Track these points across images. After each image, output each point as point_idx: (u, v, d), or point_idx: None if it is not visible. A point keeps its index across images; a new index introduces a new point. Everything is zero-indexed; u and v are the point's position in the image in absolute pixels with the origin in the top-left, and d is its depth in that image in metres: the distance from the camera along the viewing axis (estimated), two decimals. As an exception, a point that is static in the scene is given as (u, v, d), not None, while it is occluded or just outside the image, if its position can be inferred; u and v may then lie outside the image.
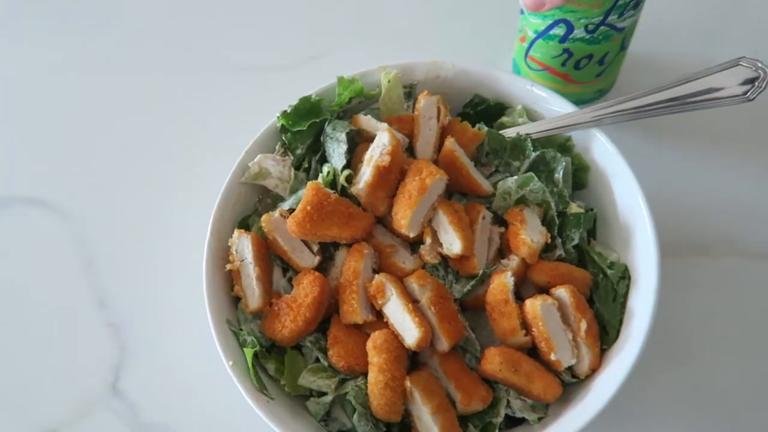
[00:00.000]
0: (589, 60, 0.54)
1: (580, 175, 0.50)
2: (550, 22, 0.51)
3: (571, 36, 0.51)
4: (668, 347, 0.50)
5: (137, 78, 0.68)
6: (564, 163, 0.48)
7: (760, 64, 0.42)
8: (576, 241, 0.47)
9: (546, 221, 0.47)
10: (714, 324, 0.51)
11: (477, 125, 0.50)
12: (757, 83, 0.42)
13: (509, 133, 0.50)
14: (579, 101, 0.51)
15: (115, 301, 0.56)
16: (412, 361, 0.45)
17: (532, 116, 0.51)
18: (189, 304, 0.51)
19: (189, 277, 0.51)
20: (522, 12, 0.54)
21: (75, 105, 0.67)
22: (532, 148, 0.49)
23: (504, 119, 0.52)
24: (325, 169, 0.48)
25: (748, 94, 0.42)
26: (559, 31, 0.52)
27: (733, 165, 0.57)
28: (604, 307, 0.45)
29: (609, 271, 0.45)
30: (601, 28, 0.50)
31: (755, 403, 0.48)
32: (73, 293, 0.57)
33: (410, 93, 0.53)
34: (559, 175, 0.48)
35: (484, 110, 0.53)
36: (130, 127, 0.65)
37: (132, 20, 0.72)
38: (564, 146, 0.50)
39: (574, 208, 0.47)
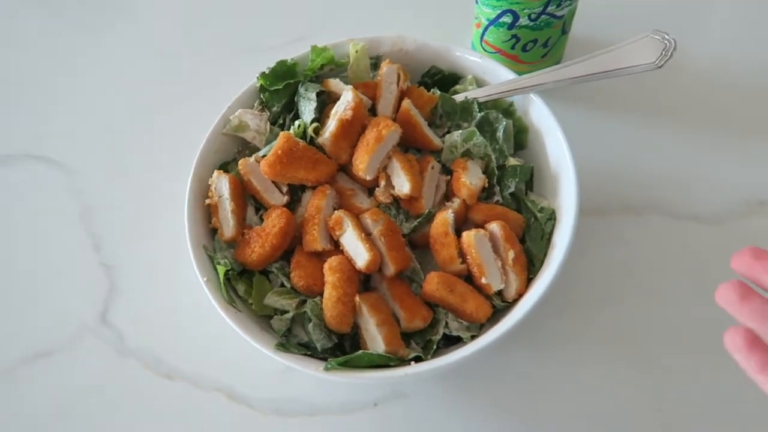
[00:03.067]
0: (534, 43, 0.61)
1: (521, 136, 0.57)
2: (498, 11, 0.59)
3: (517, 24, 0.59)
4: (592, 291, 0.57)
5: (136, 50, 0.76)
6: (504, 123, 0.55)
7: (667, 36, 0.49)
8: (512, 189, 0.53)
9: (487, 172, 0.54)
10: (637, 273, 0.58)
11: (432, 90, 0.58)
12: (664, 52, 0.49)
13: (459, 97, 0.57)
14: None
15: (108, 244, 0.63)
16: (365, 286, 0.52)
17: (481, 84, 0.58)
18: (172, 244, 0.57)
19: (173, 219, 0.57)
20: (476, 2, 0.61)
21: (69, 65, 0.75)
22: (478, 110, 0.56)
23: (457, 87, 0.59)
24: (297, 122, 0.55)
25: (657, 61, 0.50)
26: (507, 19, 0.59)
27: (659, 133, 0.64)
28: (533, 244, 0.51)
29: (539, 215, 0.52)
30: (543, 16, 0.58)
31: (663, 343, 0.54)
32: (70, 238, 0.63)
33: (376, 64, 0.60)
34: (500, 133, 0.55)
35: (440, 79, 0.60)
36: (125, 89, 0.73)
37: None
38: (507, 110, 0.57)
39: (512, 161, 0.54)
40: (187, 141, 0.63)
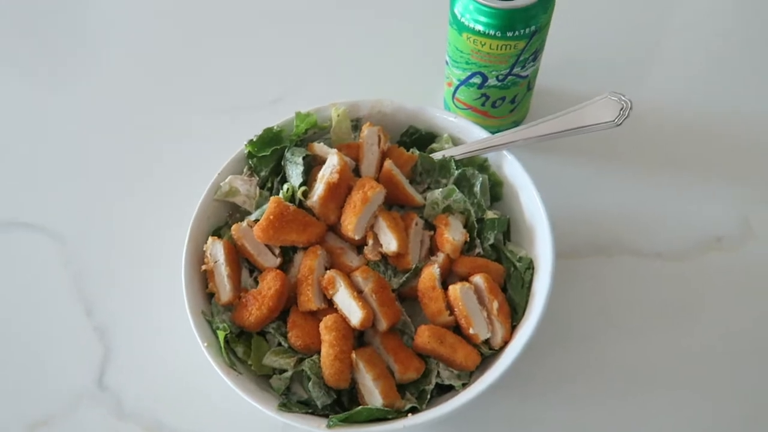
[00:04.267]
0: (503, 101, 0.66)
1: (496, 189, 0.61)
2: (468, 73, 0.64)
3: (486, 84, 0.64)
4: (571, 331, 0.60)
5: (114, 113, 0.78)
6: (481, 179, 0.59)
7: (623, 97, 0.54)
8: (491, 241, 0.57)
9: (467, 226, 0.58)
10: (609, 311, 0.62)
11: (411, 150, 0.61)
12: (622, 111, 0.54)
13: (437, 156, 0.61)
14: (498, 131, 0.62)
15: (101, 308, 0.64)
16: (359, 341, 0.54)
17: (456, 142, 0.62)
18: (168, 306, 0.59)
19: (168, 282, 0.59)
20: (447, 63, 0.66)
21: (55, 133, 0.77)
22: (455, 168, 0.59)
23: (434, 145, 0.63)
24: (285, 186, 0.58)
25: (616, 120, 0.54)
26: (477, 80, 0.64)
27: (622, 177, 0.70)
28: (514, 292, 0.55)
29: (518, 264, 0.56)
30: (509, 77, 0.63)
31: (636, 378, 0.58)
32: (62, 304, 0.64)
33: (357, 125, 0.64)
34: (477, 188, 0.59)
35: (418, 138, 0.64)
36: (111, 154, 0.75)
37: (113, 64, 0.83)
38: (482, 166, 0.61)
39: (490, 214, 0.58)
40: (173, 203, 0.66)
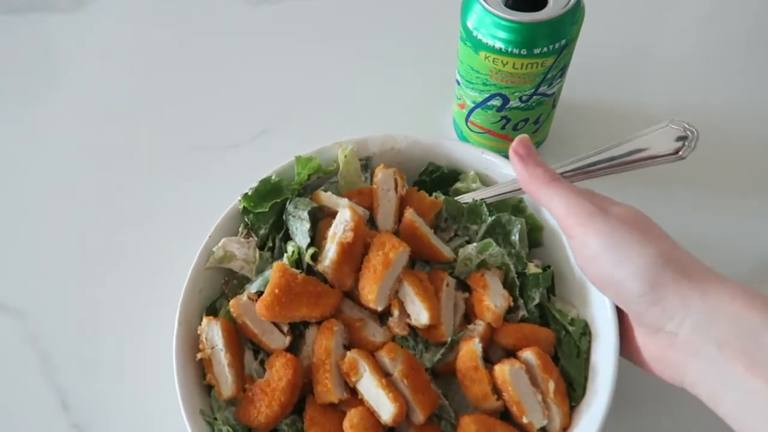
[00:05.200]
0: (525, 122, 0.58)
1: (535, 235, 0.52)
2: (486, 95, 0.55)
3: (507, 106, 0.56)
4: (627, 393, 0.52)
5: (85, 161, 0.68)
6: (519, 225, 0.50)
7: (686, 125, 0.46)
8: (537, 301, 0.49)
9: (507, 283, 0.49)
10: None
11: (434, 193, 0.52)
12: (686, 142, 0.45)
13: (465, 199, 0.52)
14: None
15: (78, 401, 0.54)
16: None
17: (484, 180, 0.54)
18: (156, 396, 0.51)
19: (155, 369, 0.51)
20: (458, 83, 0.57)
21: (18, 199, 0.65)
22: (487, 213, 0.51)
23: (458, 185, 0.54)
24: (290, 248, 0.49)
25: (681, 152, 0.46)
26: (496, 102, 0.56)
27: (674, 204, 0.61)
28: (569, 363, 0.46)
29: (570, 328, 0.47)
30: (534, 97, 0.55)
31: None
32: (34, 397, 0.54)
33: (366, 165, 0.55)
34: (515, 237, 0.50)
35: (439, 177, 0.55)
36: (79, 212, 0.64)
37: (81, 103, 0.72)
38: (517, 207, 0.52)
39: (533, 268, 0.49)
40: (153, 266, 0.58)
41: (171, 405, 0.44)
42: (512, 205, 0.52)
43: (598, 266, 0.41)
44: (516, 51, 0.50)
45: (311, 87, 0.72)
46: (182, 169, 0.67)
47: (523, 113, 0.57)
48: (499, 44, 0.50)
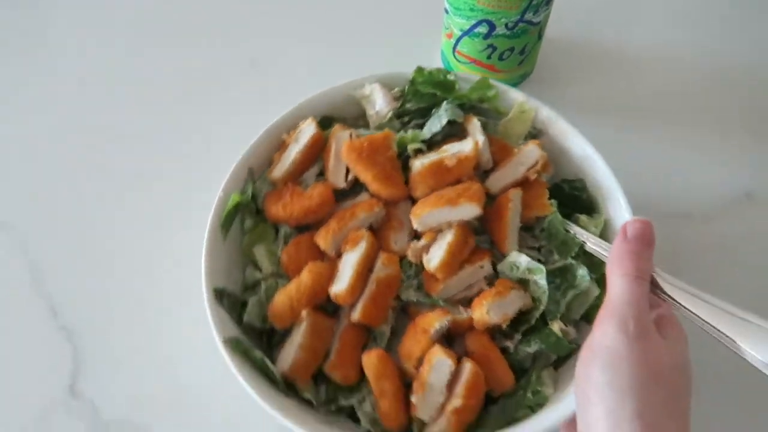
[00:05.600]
0: (511, 52, 0.59)
1: (594, 313, 0.47)
2: (473, 21, 0.57)
3: (493, 33, 0.57)
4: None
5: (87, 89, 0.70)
6: (581, 290, 0.46)
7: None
8: (531, 350, 0.45)
9: (525, 315, 0.46)
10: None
11: (552, 200, 0.50)
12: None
13: (572, 228, 0.48)
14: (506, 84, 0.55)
15: (65, 307, 0.56)
16: (334, 311, 0.49)
17: (607, 231, 0.49)
18: (143, 299, 0.56)
19: (140, 271, 0.57)
20: (446, 11, 0.59)
21: (22, 124, 0.68)
22: (573, 254, 0.47)
23: (582, 218, 0.50)
24: (410, 131, 0.52)
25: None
26: (483, 29, 0.56)
27: (646, 138, 0.64)
28: (496, 417, 0.44)
29: (529, 396, 0.44)
30: (520, 24, 0.56)
31: None
32: (23, 304, 0.57)
33: (535, 136, 0.53)
34: (570, 295, 0.46)
35: (576, 197, 0.51)
36: (59, 133, 0.66)
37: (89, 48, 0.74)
38: (605, 280, 0.47)
39: (557, 326, 0.46)
40: (142, 174, 0.63)
41: (155, 298, 0.54)
42: (603, 272, 0.47)
43: (588, 374, 0.37)
44: None
45: (305, 20, 0.73)
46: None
47: (509, 41, 0.58)
48: None
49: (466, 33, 0.59)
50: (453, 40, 0.61)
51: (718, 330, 0.38)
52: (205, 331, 0.44)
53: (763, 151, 0.63)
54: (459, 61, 0.62)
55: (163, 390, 0.52)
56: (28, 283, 0.58)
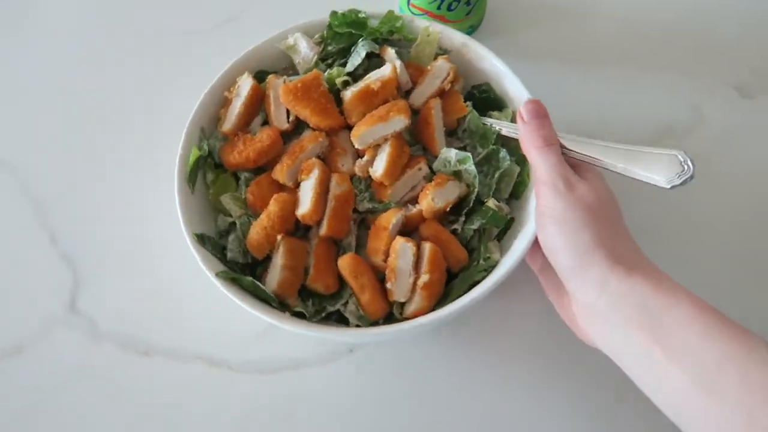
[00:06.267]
0: (458, 2, 0.66)
1: (519, 188, 0.56)
2: None
3: None
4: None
5: (70, 46, 0.75)
6: (505, 168, 0.54)
7: (690, 162, 0.46)
8: (475, 227, 0.54)
9: (464, 200, 0.55)
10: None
11: (467, 102, 0.58)
12: (678, 176, 0.46)
13: (487, 122, 0.57)
14: None
15: (65, 235, 0.62)
16: (304, 233, 0.55)
17: (515, 118, 0.57)
18: (137, 222, 0.62)
19: (135, 197, 0.63)
20: None
21: (15, 65, 0.74)
22: (493, 142, 0.55)
23: (494, 113, 0.58)
24: (335, 68, 0.58)
25: (670, 185, 0.46)
26: None
27: (572, 74, 0.70)
28: (460, 284, 0.52)
29: (482, 262, 0.52)
30: None
31: None
32: (24, 234, 0.63)
33: (442, 55, 0.61)
34: (498, 172, 0.55)
35: (486, 98, 0.59)
36: (55, 76, 0.73)
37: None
38: (523, 157, 0.56)
39: (492, 203, 0.54)
40: (121, 125, 0.69)
41: (150, 220, 0.60)
42: (519, 153, 0.56)
43: (546, 233, 0.46)
44: None
45: None
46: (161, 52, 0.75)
47: None
48: None
49: None
50: None
51: (619, 165, 0.48)
52: (192, 264, 0.50)
53: (684, 85, 0.69)
54: (413, 13, 0.68)
55: (158, 302, 0.59)
56: (30, 215, 0.64)
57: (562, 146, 0.50)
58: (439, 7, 0.66)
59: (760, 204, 0.62)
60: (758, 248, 0.60)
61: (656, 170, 0.47)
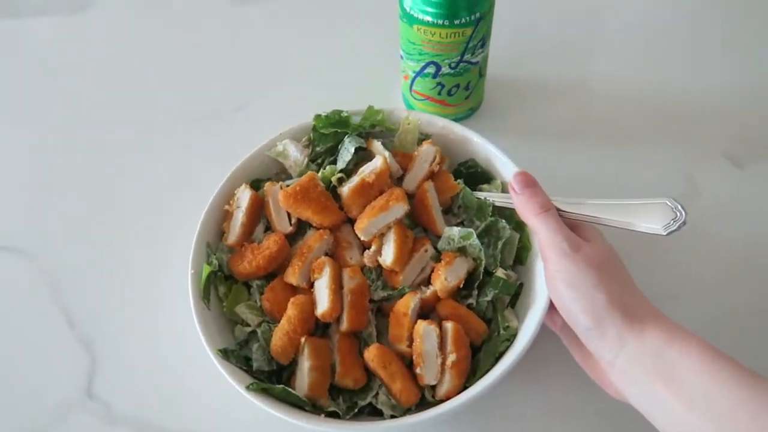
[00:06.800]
0: (457, 88, 0.69)
1: (523, 253, 0.58)
2: (423, 64, 0.67)
3: (440, 72, 0.67)
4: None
5: (88, 131, 0.78)
6: (507, 236, 0.57)
7: (680, 207, 0.49)
8: (489, 298, 0.55)
9: (474, 274, 0.56)
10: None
11: (458, 180, 0.61)
12: (672, 221, 0.49)
13: (480, 195, 0.59)
14: (457, 119, 0.72)
15: (83, 319, 0.63)
16: (323, 331, 0.56)
17: (506, 190, 0.60)
18: (155, 309, 0.63)
19: (153, 287, 0.64)
20: (402, 57, 0.69)
21: (30, 153, 0.76)
22: (490, 213, 0.58)
23: (485, 186, 0.61)
24: (328, 168, 0.61)
25: (664, 228, 0.49)
26: (431, 70, 0.68)
27: (576, 150, 0.74)
28: (485, 357, 0.53)
29: (502, 332, 0.53)
30: (461, 64, 0.66)
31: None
32: (43, 318, 0.64)
33: (424, 140, 0.64)
34: (500, 243, 0.57)
35: (474, 173, 0.63)
36: (84, 168, 0.75)
37: (75, 91, 0.83)
38: (520, 223, 0.59)
39: (500, 273, 0.56)
40: (139, 209, 0.71)
41: (166, 308, 0.61)
42: (516, 220, 0.59)
43: (560, 296, 0.49)
44: (440, 22, 0.61)
45: (285, 67, 0.83)
46: (179, 137, 0.77)
47: (454, 79, 0.68)
48: (428, 18, 0.62)
49: (418, 74, 0.69)
50: (409, 81, 0.71)
51: (615, 220, 0.51)
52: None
53: (678, 157, 0.72)
54: (415, 99, 0.72)
55: (173, 388, 0.59)
56: (47, 298, 0.65)
57: (558, 209, 0.53)
58: (439, 93, 0.70)
59: (755, 269, 0.64)
60: (755, 311, 0.62)
61: (651, 220, 0.50)
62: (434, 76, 0.68)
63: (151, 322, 0.63)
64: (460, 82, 0.69)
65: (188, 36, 0.88)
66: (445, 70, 0.67)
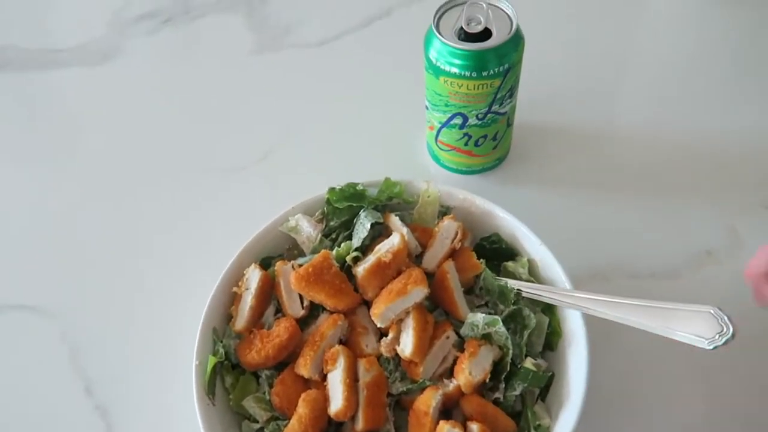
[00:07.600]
0: (485, 138, 0.67)
1: (552, 339, 0.54)
2: (449, 115, 0.65)
3: (467, 123, 0.65)
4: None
5: (102, 193, 0.76)
6: (534, 326, 0.53)
7: (727, 319, 0.44)
8: (517, 392, 0.51)
9: (500, 365, 0.52)
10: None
11: (480, 260, 0.57)
12: (719, 335, 0.44)
13: (502, 281, 0.55)
14: (484, 169, 0.71)
15: (100, 386, 0.62)
16: (336, 428, 0.51)
17: (533, 271, 0.57)
18: (168, 381, 0.61)
19: (168, 356, 0.61)
20: (427, 108, 0.67)
21: (53, 211, 0.74)
22: (512, 300, 0.54)
23: (509, 264, 0.58)
24: (343, 245, 0.57)
25: (708, 342, 0.44)
26: (458, 121, 0.65)
27: (612, 202, 0.71)
28: (514, 460, 0.48)
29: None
30: (489, 115, 0.64)
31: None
32: (60, 384, 0.62)
33: (445, 213, 0.61)
34: (527, 331, 0.53)
35: (497, 249, 0.59)
36: (98, 226, 0.73)
37: (95, 144, 0.81)
38: (548, 307, 0.54)
39: (529, 364, 0.51)
40: (160, 271, 0.69)
41: (177, 388, 0.56)
42: (545, 305, 0.55)
43: None
44: (468, 74, 0.59)
45: (309, 115, 0.81)
46: (200, 190, 0.75)
47: (481, 130, 0.65)
48: (454, 69, 0.59)
49: (444, 125, 0.66)
50: (434, 132, 0.69)
51: (656, 326, 0.46)
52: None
53: (721, 209, 0.69)
54: (441, 149, 0.70)
55: None
56: (66, 364, 0.63)
57: (585, 307, 0.49)
58: (466, 144, 0.67)
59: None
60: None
61: (694, 329, 0.45)
62: (461, 127, 0.65)
63: (167, 392, 0.60)
64: (488, 133, 0.66)
65: (207, 86, 0.86)
66: (472, 121, 0.64)
